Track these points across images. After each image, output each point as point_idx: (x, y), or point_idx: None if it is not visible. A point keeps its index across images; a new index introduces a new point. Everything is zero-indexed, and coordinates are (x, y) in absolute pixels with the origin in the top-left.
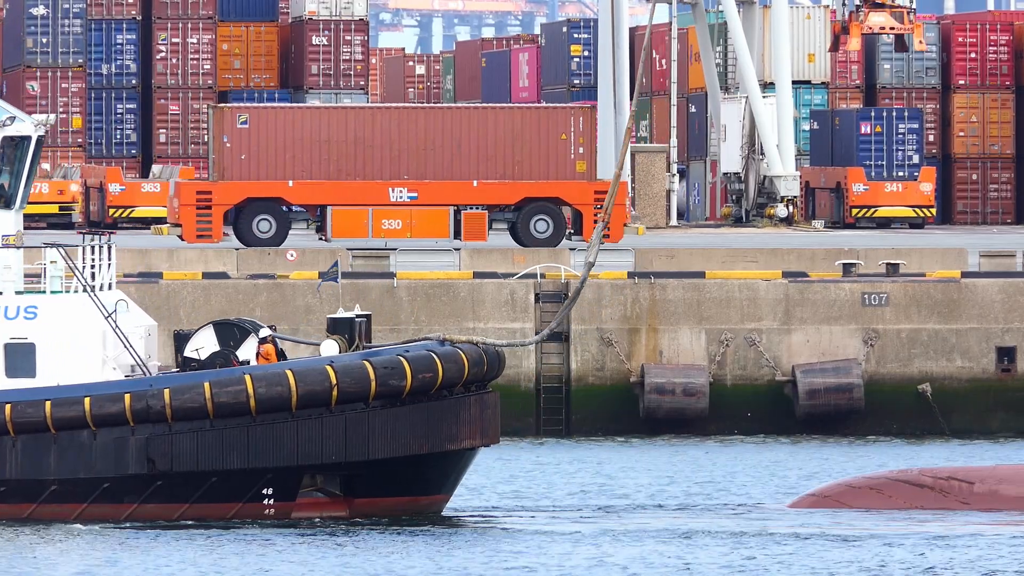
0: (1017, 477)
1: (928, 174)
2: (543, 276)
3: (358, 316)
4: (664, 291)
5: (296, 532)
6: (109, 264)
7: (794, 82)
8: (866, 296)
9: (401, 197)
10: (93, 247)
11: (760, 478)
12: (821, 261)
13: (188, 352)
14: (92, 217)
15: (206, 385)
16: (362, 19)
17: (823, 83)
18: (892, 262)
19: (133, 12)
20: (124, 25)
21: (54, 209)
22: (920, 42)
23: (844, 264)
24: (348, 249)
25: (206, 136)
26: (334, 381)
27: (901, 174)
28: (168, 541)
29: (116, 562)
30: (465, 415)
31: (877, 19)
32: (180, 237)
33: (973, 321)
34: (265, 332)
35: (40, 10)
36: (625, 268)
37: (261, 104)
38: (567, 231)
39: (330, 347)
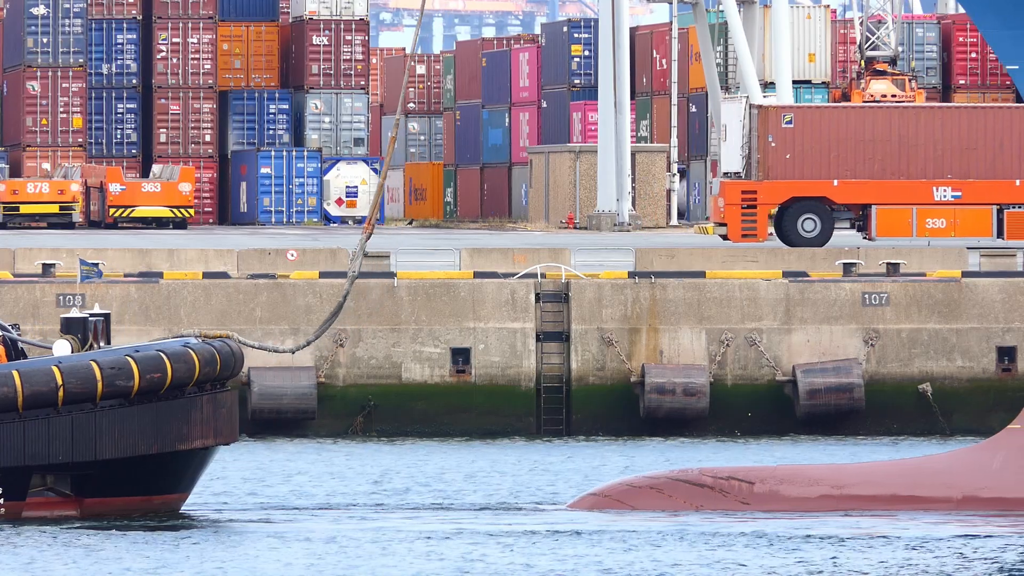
0: (797, 477)
1: None
2: (543, 276)
3: (92, 315)
4: (664, 291)
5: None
6: None
7: (794, 82)
8: (866, 296)
9: (945, 196)
10: None
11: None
12: (821, 261)
13: None
14: (92, 217)
15: None
16: (362, 19)
17: (823, 83)
18: (892, 262)
19: (133, 12)
20: (124, 25)
21: (54, 209)
22: None
23: (844, 264)
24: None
25: (207, 136)
26: (60, 382)
27: None
28: None
29: None
30: (197, 415)
31: (878, 87)
32: (724, 237)
33: (973, 321)
34: None
35: (40, 10)
36: (625, 268)
37: (806, 104)
38: None
39: (62, 347)
